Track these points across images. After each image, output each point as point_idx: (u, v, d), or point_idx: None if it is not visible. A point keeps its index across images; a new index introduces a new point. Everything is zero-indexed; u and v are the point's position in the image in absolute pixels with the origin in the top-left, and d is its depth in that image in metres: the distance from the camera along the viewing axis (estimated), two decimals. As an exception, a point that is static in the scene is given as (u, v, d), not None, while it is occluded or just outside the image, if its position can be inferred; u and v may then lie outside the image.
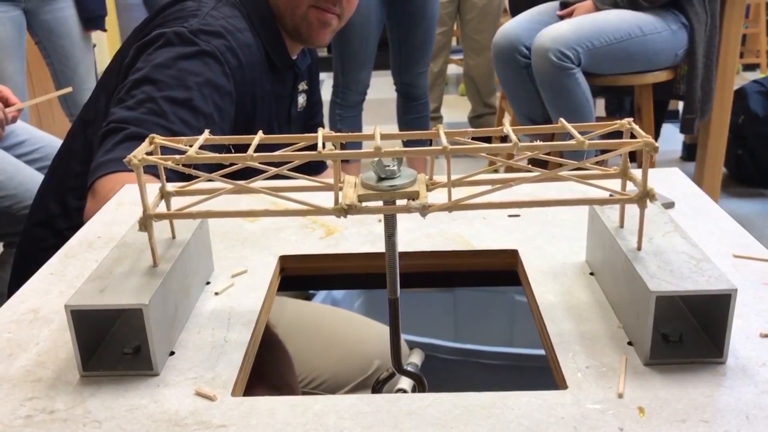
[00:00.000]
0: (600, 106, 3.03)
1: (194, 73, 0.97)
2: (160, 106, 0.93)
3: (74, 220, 1.05)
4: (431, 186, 0.54)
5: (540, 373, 1.19)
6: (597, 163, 0.54)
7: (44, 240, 1.09)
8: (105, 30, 2.47)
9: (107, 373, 0.52)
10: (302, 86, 1.27)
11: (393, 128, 2.78)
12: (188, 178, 0.55)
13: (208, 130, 0.56)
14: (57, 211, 1.09)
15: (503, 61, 2.18)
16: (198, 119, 0.94)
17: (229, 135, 0.99)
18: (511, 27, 2.17)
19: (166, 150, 0.55)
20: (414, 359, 0.80)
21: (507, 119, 2.75)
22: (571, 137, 0.50)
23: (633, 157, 2.00)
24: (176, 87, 0.95)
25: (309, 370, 0.96)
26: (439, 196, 0.55)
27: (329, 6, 1.13)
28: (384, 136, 0.52)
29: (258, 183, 0.54)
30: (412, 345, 0.99)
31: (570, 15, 2.10)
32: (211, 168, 0.54)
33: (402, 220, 0.70)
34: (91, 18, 2.33)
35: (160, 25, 1.05)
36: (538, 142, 0.52)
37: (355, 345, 1.00)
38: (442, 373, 1.24)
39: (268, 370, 0.88)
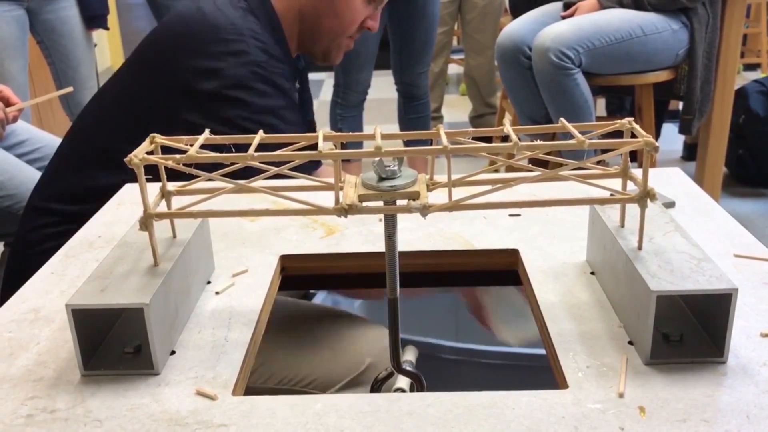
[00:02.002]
0: (600, 106, 3.02)
1: (294, 123, 1.06)
2: None
3: (67, 224, 1.04)
4: (432, 186, 0.54)
5: (541, 372, 1.19)
6: (598, 162, 0.54)
7: (38, 243, 1.08)
8: (107, 29, 2.47)
9: (108, 373, 0.52)
10: (296, 85, 1.28)
11: (394, 128, 2.78)
12: (185, 177, 0.55)
13: (209, 130, 0.56)
14: (51, 213, 1.09)
15: (507, 62, 2.18)
16: None
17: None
18: (515, 28, 2.17)
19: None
20: (408, 357, 0.80)
21: (507, 119, 2.75)
22: (572, 137, 0.50)
23: (633, 156, 2.00)
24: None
25: (299, 368, 0.96)
26: (439, 196, 0.55)
27: (355, 34, 1.20)
28: (384, 136, 0.52)
29: (258, 182, 0.54)
30: (412, 345, 0.99)
31: (573, 14, 2.10)
32: (211, 168, 0.54)
33: (402, 219, 0.70)
34: (94, 17, 2.34)
35: (211, 55, 1.03)
36: (539, 142, 0.52)
37: (346, 343, 1.00)
38: (443, 373, 1.24)
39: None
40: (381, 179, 0.52)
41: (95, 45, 2.49)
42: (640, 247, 0.54)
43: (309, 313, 1.09)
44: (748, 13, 4.32)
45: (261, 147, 0.53)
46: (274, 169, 0.53)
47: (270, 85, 1.04)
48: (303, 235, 0.75)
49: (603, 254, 0.61)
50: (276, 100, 1.05)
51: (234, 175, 0.54)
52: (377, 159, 0.52)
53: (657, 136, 2.56)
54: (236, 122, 1.01)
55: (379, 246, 0.70)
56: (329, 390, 0.95)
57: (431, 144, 0.53)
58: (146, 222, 0.53)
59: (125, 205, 0.83)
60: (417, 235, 0.74)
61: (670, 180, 0.85)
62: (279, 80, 1.05)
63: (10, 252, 1.16)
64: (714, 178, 2.35)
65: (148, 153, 0.53)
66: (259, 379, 0.94)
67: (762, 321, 0.56)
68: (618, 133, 0.54)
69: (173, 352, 0.54)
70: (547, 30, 1.98)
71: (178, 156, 0.51)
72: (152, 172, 0.54)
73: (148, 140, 0.55)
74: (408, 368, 0.66)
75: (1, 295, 1.05)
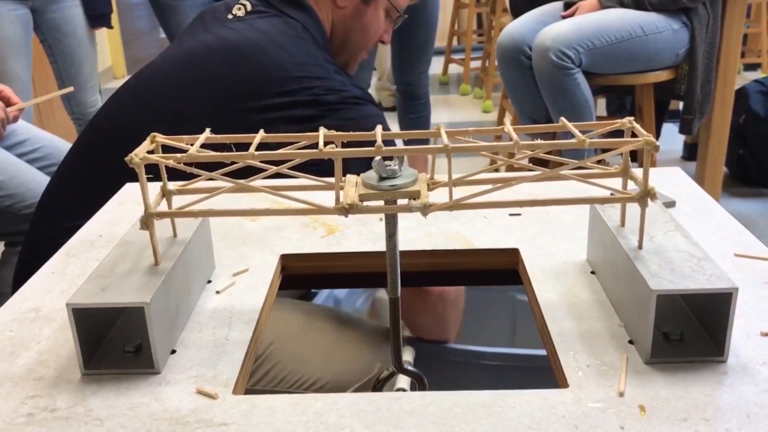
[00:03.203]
0: (601, 106, 3.02)
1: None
2: None
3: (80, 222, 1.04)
4: (432, 185, 0.54)
5: (541, 373, 1.19)
6: (598, 162, 0.54)
7: (57, 237, 1.08)
8: (111, 27, 2.47)
9: (109, 372, 0.52)
10: None
11: (394, 128, 2.78)
12: (185, 176, 0.55)
13: (209, 129, 0.56)
14: (63, 212, 1.09)
15: (507, 62, 2.18)
16: None
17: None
18: (516, 27, 2.16)
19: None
20: (406, 357, 0.80)
21: (508, 118, 2.74)
22: (572, 136, 0.50)
23: (634, 156, 2.00)
24: None
25: (311, 371, 0.96)
26: (440, 196, 0.55)
27: (372, 46, 1.24)
28: (385, 135, 0.52)
29: (259, 182, 0.54)
30: (411, 345, 0.99)
31: (573, 14, 2.10)
32: (212, 167, 0.54)
33: (403, 219, 0.70)
34: (98, 16, 2.34)
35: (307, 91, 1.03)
36: (539, 141, 0.52)
37: (357, 346, 1.00)
38: (443, 373, 1.24)
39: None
40: (381, 179, 0.52)
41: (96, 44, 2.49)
42: (640, 247, 0.54)
43: (319, 317, 1.09)
44: (749, 13, 4.32)
45: (262, 146, 0.53)
46: (274, 168, 0.53)
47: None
48: (303, 234, 0.75)
49: (603, 253, 0.61)
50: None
51: (235, 175, 0.54)
52: (378, 158, 0.52)
53: (657, 135, 2.56)
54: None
55: (380, 245, 0.70)
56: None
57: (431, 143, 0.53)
58: (147, 221, 0.53)
59: (126, 204, 0.83)
60: (417, 234, 0.74)
61: (671, 179, 0.85)
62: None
63: (22, 248, 1.15)
64: (714, 177, 2.35)
65: (149, 152, 0.53)
66: (271, 383, 0.94)
67: (762, 320, 0.56)
68: (618, 133, 0.54)
69: (174, 351, 0.54)
70: (548, 29, 1.98)
71: (179, 155, 0.51)
72: (153, 172, 0.54)
73: (148, 139, 0.55)
74: (409, 368, 0.66)
75: (12, 293, 1.05)
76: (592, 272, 0.64)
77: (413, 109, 2.54)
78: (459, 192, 0.52)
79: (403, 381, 0.71)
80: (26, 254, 1.12)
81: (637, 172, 0.55)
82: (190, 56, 1.09)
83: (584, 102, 2.00)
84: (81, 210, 1.04)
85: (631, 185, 0.56)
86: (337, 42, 1.18)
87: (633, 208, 0.56)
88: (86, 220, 0.86)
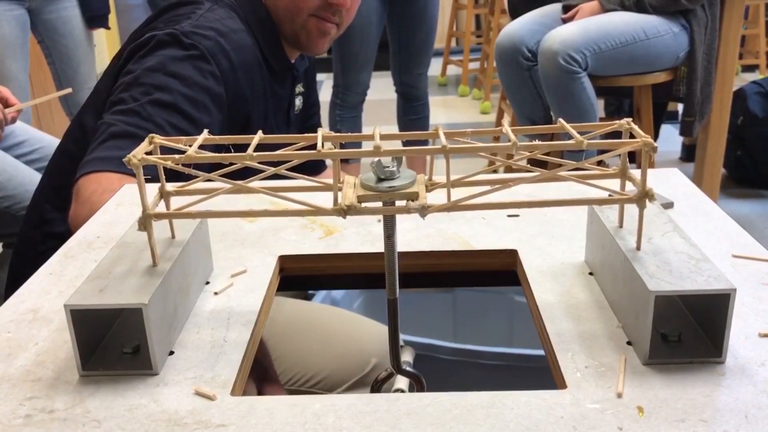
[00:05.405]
0: (599, 107, 3.03)
1: (183, 77, 0.99)
2: (146, 109, 0.96)
3: (67, 224, 1.04)
4: (430, 186, 0.54)
5: (539, 373, 1.19)
6: (596, 163, 0.54)
7: (40, 242, 1.08)
8: (108, 28, 2.48)
9: (107, 373, 0.52)
10: (299, 89, 1.27)
11: (393, 129, 2.78)
12: (183, 177, 0.55)
13: (207, 130, 0.56)
14: (51, 213, 1.09)
15: (505, 63, 2.18)
16: (183, 122, 0.96)
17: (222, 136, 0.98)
18: (514, 28, 2.17)
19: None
20: (405, 357, 0.80)
21: (506, 119, 2.75)
22: (571, 137, 0.50)
23: (632, 157, 2.00)
24: (164, 90, 0.97)
25: (306, 368, 0.96)
26: (438, 197, 0.55)
27: (329, 15, 1.13)
28: (383, 137, 0.52)
29: (257, 183, 0.54)
30: (411, 345, 1.00)
31: (574, 17, 2.10)
32: (210, 168, 0.54)
33: (401, 220, 0.70)
34: (95, 17, 2.34)
35: (154, 29, 1.06)
36: (538, 142, 0.52)
37: (352, 343, 1.01)
38: (442, 374, 1.24)
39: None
40: (380, 180, 0.52)
41: (95, 45, 2.49)
42: (638, 248, 0.54)
43: (315, 314, 1.10)
44: (747, 15, 4.32)
45: (260, 147, 0.53)
46: (272, 170, 0.53)
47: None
48: (302, 235, 0.75)
49: (601, 254, 0.61)
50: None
51: (233, 176, 0.54)
52: (376, 160, 0.52)
53: (655, 137, 2.56)
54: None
55: (378, 246, 0.70)
56: (336, 390, 0.95)
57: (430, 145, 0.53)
58: (145, 222, 0.53)
59: (124, 205, 0.83)
60: (416, 235, 0.74)
61: (669, 180, 0.85)
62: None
63: (13, 252, 1.16)
64: (712, 179, 2.35)
65: (147, 153, 0.53)
66: None
67: (760, 321, 0.56)
68: (617, 134, 0.54)
69: (172, 353, 0.54)
70: (554, 33, 1.98)
71: (177, 156, 0.51)
72: (151, 173, 0.54)
73: (147, 140, 0.55)
74: (407, 369, 0.66)
75: (5, 295, 1.06)
76: (590, 273, 0.64)
77: (412, 111, 2.54)
78: (457, 193, 0.52)
79: (401, 382, 0.71)
80: (15, 259, 1.13)
81: (636, 173, 0.55)
82: None
83: (590, 106, 2.00)
84: (60, 213, 1.05)
85: (630, 186, 0.56)
86: (274, 15, 1.14)
87: (631, 209, 0.56)
88: (60, 215, 0.87)
